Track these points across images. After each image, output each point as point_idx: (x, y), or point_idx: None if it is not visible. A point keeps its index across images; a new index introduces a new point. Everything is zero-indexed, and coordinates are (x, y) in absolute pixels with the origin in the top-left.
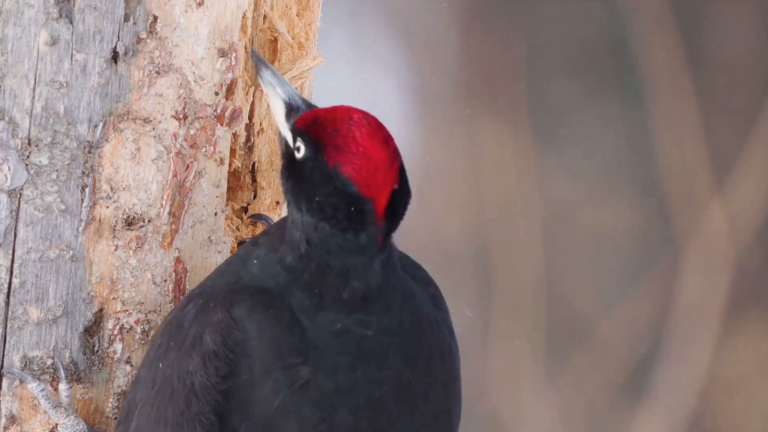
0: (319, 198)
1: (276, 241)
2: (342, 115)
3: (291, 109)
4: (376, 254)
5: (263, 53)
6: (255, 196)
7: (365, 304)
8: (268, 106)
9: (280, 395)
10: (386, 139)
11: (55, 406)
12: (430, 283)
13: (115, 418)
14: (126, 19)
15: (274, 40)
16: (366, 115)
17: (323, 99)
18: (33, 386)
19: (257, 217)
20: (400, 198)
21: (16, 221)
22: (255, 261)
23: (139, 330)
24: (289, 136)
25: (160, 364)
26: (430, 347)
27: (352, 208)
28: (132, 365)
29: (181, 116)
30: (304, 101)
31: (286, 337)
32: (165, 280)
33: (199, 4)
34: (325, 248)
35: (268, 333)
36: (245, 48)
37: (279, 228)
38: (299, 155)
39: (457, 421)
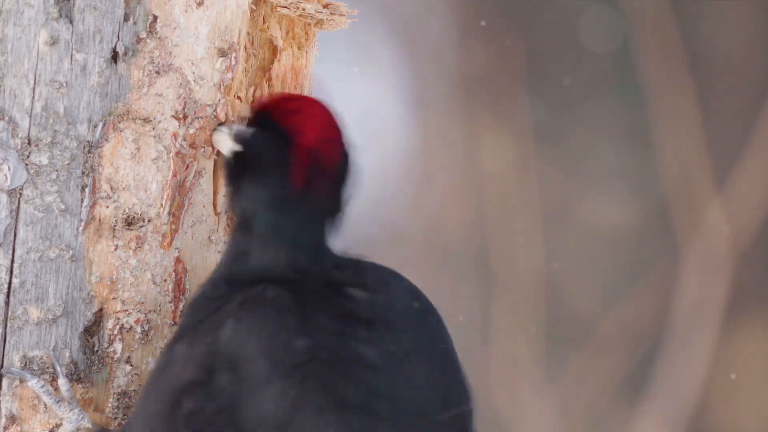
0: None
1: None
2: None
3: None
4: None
5: (263, 53)
6: None
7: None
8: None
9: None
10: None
11: (57, 401)
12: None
13: (115, 418)
14: (126, 18)
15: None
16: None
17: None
18: (33, 383)
19: None
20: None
21: (16, 221)
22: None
23: (139, 330)
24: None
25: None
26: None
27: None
28: (132, 365)
29: (180, 116)
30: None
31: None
32: (165, 280)
33: (199, 4)
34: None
35: (265, 332)
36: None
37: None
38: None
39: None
